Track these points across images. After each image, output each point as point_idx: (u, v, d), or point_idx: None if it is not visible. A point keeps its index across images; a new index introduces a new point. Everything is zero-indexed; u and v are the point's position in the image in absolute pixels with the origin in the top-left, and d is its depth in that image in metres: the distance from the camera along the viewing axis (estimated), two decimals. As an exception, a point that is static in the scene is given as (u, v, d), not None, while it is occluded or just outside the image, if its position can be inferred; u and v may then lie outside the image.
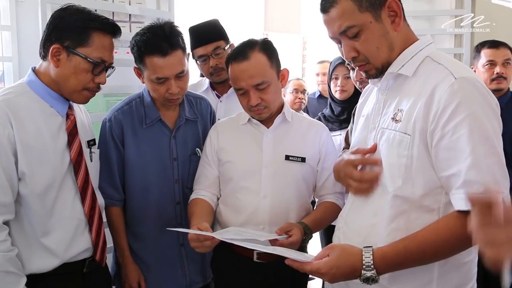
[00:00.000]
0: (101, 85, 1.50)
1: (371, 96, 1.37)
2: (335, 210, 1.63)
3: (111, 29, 1.48)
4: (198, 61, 2.14)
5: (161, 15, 2.54)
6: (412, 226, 1.15)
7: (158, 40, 1.60)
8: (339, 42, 1.24)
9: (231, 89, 2.14)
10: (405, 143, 1.15)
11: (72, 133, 1.50)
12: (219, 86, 2.22)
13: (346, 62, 1.41)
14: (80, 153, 1.51)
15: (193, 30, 2.15)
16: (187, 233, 1.48)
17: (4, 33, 2.14)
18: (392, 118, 1.20)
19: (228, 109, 2.07)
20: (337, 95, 2.53)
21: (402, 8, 1.22)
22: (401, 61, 1.21)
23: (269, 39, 1.68)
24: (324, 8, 1.21)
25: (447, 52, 3.16)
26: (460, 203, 1.07)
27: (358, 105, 1.47)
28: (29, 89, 1.44)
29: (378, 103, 1.29)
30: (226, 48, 2.12)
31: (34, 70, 1.49)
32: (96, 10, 1.50)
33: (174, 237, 1.79)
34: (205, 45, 2.09)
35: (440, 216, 1.15)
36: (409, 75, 1.19)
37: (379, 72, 1.24)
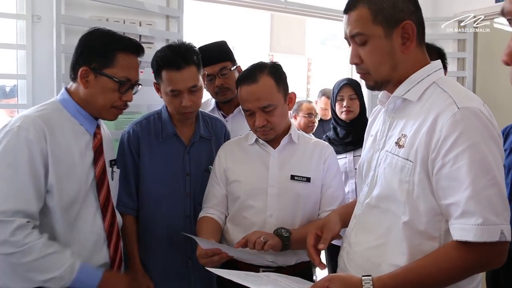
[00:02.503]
0: (128, 102, 1.56)
1: (379, 116, 1.39)
2: None
3: (135, 49, 1.55)
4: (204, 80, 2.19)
5: (170, 36, 2.61)
6: (415, 251, 1.15)
7: (173, 56, 1.72)
8: (350, 44, 1.28)
9: (237, 109, 2.19)
10: (407, 169, 1.16)
11: (98, 151, 1.56)
12: (224, 106, 2.26)
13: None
14: (103, 171, 1.57)
15: (201, 50, 2.19)
16: (195, 248, 1.51)
17: (20, 52, 2.20)
18: (396, 143, 1.21)
19: (234, 129, 2.11)
20: (342, 116, 2.51)
21: (423, 32, 1.24)
22: (407, 85, 1.22)
23: (278, 63, 1.73)
24: (346, 10, 1.26)
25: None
26: (459, 233, 1.07)
27: (368, 123, 1.49)
28: (62, 107, 1.52)
29: (384, 124, 1.31)
30: (232, 69, 2.17)
31: (66, 89, 1.55)
32: (108, 31, 1.56)
33: (182, 250, 1.82)
34: (212, 65, 2.13)
35: (441, 243, 1.15)
36: (413, 101, 1.21)
37: (377, 85, 1.27)
